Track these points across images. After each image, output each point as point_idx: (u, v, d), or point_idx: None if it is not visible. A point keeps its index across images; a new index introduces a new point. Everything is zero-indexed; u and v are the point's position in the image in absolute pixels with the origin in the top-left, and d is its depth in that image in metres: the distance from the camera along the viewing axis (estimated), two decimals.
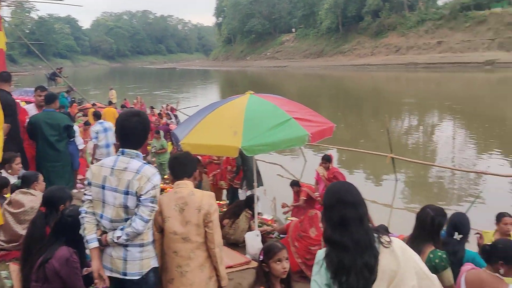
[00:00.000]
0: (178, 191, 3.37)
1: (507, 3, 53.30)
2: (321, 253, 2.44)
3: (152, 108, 19.58)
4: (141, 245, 3.10)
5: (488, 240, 4.76)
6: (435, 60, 49.45)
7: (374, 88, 38.96)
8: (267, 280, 3.05)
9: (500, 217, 4.98)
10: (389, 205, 9.86)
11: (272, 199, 8.41)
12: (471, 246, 4.26)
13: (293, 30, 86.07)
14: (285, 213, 8.07)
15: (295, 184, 8.19)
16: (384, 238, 2.37)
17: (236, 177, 8.41)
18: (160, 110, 19.00)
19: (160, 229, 3.34)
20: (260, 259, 3.11)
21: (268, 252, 3.08)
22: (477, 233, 4.97)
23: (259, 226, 6.40)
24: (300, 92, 35.09)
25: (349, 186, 2.48)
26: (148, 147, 11.53)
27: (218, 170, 8.97)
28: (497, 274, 3.19)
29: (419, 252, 3.29)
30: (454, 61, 47.19)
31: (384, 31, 63.11)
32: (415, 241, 3.44)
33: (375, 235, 2.38)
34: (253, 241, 5.83)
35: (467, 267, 3.42)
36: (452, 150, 14.96)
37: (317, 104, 27.22)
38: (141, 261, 3.10)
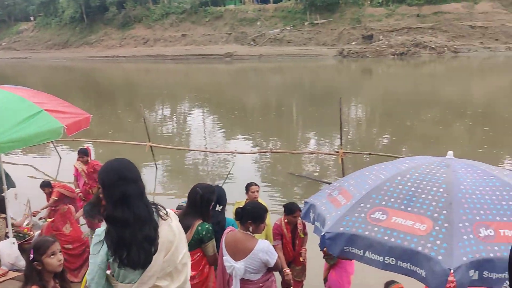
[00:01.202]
0: None
1: (239, 0, 60.14)
2: (100, 232, 2.42)
3: None
4: None
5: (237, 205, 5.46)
6: (181, 52, 52.16)
7: (126, 79, 38.77)
8: (40, 279, 2.85)
9: (248, 186, 5.76)
10: (152, 192, 10.13)
11: (26, 203, 7.63)
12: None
13: (32, 18, 77.67)
14: (41, 218, 7.47)
15: (45, 185, 7.61)
16: (162, 211, 2.51)
17: None
18: None
19: None
20: (31, 258, 2.88)
21: (39, 248, 2.89)
22: None
23: (17, 237, 5.78)
24: (46, 85, 32.20)
25: (128, 163, 2.51)
26: None
27: None
28: (247, 232, 3.73)
29: (188, 226, 3.58)
30: (199, 53, 50.72)
31: (130, 22, 63.04)
32: (186, 217, 3.71)
33: (154, 208, 2.50)
34: (9, 250, 5.23)
35: (227, 230, 3.89)
36: (203, 135, 16.25)
37: (67, 97, 25.39)
38: None
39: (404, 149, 13.36)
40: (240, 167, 11.41)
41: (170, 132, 17.99)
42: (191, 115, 21.39)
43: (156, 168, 11.57)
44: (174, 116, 21.73)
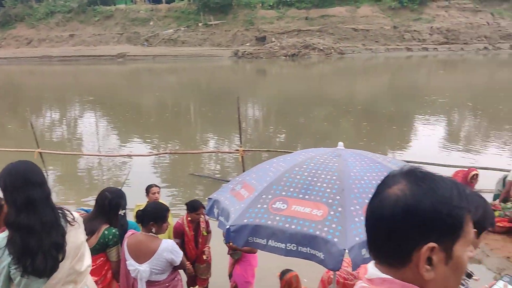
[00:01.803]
0: None
1: (130, 0, 58.24)
2: (0, 240, 2.24)
3: None
4: None
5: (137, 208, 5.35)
6: (69, 53, 49.14)
7: (7, 82, 35.58)
8: None
9: (148, 188, 5.67)
10: None
11: None
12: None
13: None
14: None
15: None
16: (69, 216, 2.39)
17: None
18: None
19: None
20: None
21: None
22: None
23: None
24: None
25: (33, 166, 2.36)
26: None
27: None
28: (150, 234, 3.69)
29: (94, 230, 3.45)
30: (89, 54, 48.19)
31: (11, 21, 57.88)
32: (92, 221, 3.55)
33: (60, 213, 2.37)
34: None
35: (128, 233, 3.80)
36: (97, 139, 15.53)
37: None
38: None
39: (299, 144, 14.01)
40: (138, 170, 11.13)
41: (60, 137, 16.91)
42: (82, 119, 20.29)
43: (47, 175, 10.82)
44: (64, 120, 20.47)
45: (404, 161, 10.22)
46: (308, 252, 2.57)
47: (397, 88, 26.50)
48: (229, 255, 5.07)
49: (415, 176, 1.06)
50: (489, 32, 45.04)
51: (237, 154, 10.30)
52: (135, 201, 5.81)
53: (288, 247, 2.61)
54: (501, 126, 16.40)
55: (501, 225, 6.84)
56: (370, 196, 2.71)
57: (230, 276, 5.20)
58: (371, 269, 1.09)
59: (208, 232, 5.27)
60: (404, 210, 1.02)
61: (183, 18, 52.10)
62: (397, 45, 44.43)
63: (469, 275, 1.94)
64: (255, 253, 4.96)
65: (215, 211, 3.23)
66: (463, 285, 1.89)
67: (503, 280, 1.98)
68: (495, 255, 6.36)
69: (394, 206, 1.03)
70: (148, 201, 5.57)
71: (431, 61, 39.82)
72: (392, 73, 33.38)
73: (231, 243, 4.75)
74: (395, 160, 3.23)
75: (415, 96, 22.81)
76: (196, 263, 5.23)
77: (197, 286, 4.75)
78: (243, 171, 9.73)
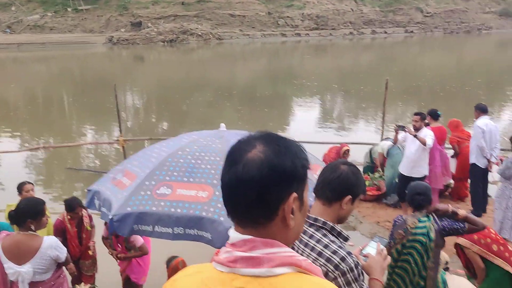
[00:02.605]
0: None
1: None
2: None
3: None
4: None
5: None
6: None
7: None
8: None
9: (20, 186, 5.21)
10: None
11: None
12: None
13: None
14: None
15: None
16: None
17: None
18: None
19: None
20: None
21: None
22: None
23: None
24: None
25: None
26: None
27: None
28: (29, 232, 3.41)
29: None
30: None
31: None
32: None
33: None
34: None
35: (1, 235, 3.47)
36: None
37: None
38: None
39: (181, 131, 13.89)
40: (7, 168, 10.14)
41: None
42: None
43: None
44: None
45: None
46: (196, 234, 2.60)
47: (273, 72, 27.53)
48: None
49: (270, 138, 1.16)
50: (354, 18, 48.65)
51: (117, 144, 9.91)
52: (6, 201, 5.32)
53: (175, 231, 2.61)
54: (366, 105, 17.99)
55: (370, 193, 7.55)
56: None
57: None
58: (232, 233, 1.14)
59: (92, 226, 5.03)
60: (271, 169, 1.11)
61: (49, 2, 47.98)
62: (273, 31, 45.94)
63: (346, 239, 2.09)
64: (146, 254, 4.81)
65: (96, 202, 3.09)
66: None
67: (374, 241, 2.17)
68: (367, 221, 7.01)
69: (260, 167, 1.11)
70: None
71: (303, 46, 41.98)
72: (269, 58, 34.55)
73: (118, 253, 4.59)
74: None
75: (289, 80, 23.94)
76: (80, 260, 4.97)
77: (82, 283, 4.51)
78: None
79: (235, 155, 1.15)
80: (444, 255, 3.56)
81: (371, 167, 8.36)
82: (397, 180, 7.17)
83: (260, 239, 1.11)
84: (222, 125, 3.29)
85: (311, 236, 1.99)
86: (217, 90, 20.77)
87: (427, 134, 6.38)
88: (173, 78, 25.18)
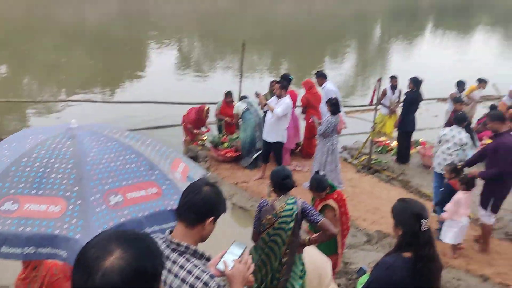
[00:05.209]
0: None
1: None
2: None
3: None
4: None
5: None
6: None
7: None
8: None
9: None
10: None
11: None
12: None
13: None
14: None
15: None
16: None
17: None
18: None
19: None
20: None
21: None
22: None
23: None
24: None
25: None
26: None
27: None
28: None
29: None
30: None
31: None
32: None
33: None
34: None
35: None
36: None
37: None
38: None
39: (26, 85, 12.53)
40: None
41: None
42: None
43: None
44: None
45: (138, 102, 10.33)
46: (50, 252, 2.43)
47: (127, 14, 25.88)
48: None
49: (126, 241, 1.16)
50: None
51: None
52: None
53: (26, 251, 2.40)
54: (224, 52, 18.05)
55: (229, 155, 7.78)
56: (111, 180, 2.67)
57: None
58: None
59: None
60: (134, 275, 1.11)
61: None
62: None
63: (209, 259, 2.08)
64: None
65: None
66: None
67: (234, 247, 2.16)
68: (226, 183, 7.25)
69: (122, 274, 1.09)
70: None
71: None
72: None
73: None
74: (132, 134, 3.20)
75: (145, 23, 22.79)
76: None
77: None
78: None
79: (89, 264, 1.11)
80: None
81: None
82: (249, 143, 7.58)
83: None
84: (73, 121, 3.00)
85: (174, 262, 2.01)
86: (65, 33, 18.89)
87: (283, 102, 6.67)
88: (10, 17, 22.09)
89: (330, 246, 4.28)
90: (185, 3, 32.18)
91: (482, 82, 9.49)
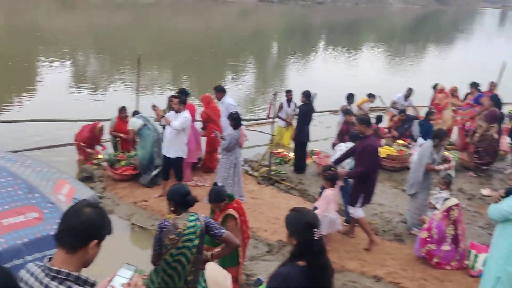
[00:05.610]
0: None
1: None
2: None
3: None
4: None
5: None
6: None
7: None
8: None
9: None
10: None
11: None
12: None
13: None
14: None
15: None
16: None
17: None
18: None
19: None
20: None
21: None
22: None
23: None
24: None
25: None
26: None
27: None
28: None
29: None
30: None
31: None
32: None
33: None
34: None
35: None
36: None
37: None
38: None
39: None
40: None
41: None
42: None
43: None
44: None
45: (26, 121, 9.58)
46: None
47: (14, 28, 24.12)
48: None
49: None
50: None
51: None
52: None
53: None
54: (121, 68, 17.52)
55: (127, 173, 7.47)
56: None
57: None
58: None
59: None
60: None
61: None
62: None
63: (93, 285, 1.96)
64: None
65: None
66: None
67: (123, 269, 2.03)
68: (124, 202, 6.94)
69: None
70: None
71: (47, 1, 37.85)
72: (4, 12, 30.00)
73: None
74: (9, 155, 2.93)
75: (35, 38, 21.41)
76: None
77: None
78: None
79: None
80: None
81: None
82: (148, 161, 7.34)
83: None
84: None
85: None
86: None
87: (182, 116, 6.55)
88: None
89: (232, 257, 4.28)
90: (78, 17, 30.81)
91: (371, 97, 10.27)
